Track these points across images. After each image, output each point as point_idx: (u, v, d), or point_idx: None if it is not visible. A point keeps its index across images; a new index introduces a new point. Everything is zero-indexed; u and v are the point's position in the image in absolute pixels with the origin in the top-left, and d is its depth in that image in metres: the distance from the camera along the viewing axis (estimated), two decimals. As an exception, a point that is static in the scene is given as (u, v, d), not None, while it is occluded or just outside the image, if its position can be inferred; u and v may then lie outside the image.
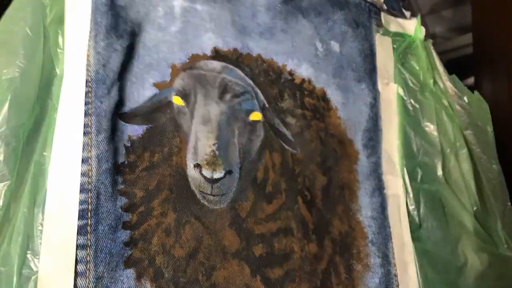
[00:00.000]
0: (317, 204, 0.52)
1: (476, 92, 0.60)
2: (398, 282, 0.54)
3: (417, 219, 0.56)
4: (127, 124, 0.46)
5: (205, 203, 0.46)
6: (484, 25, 0.80)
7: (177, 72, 0.48)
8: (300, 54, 0.56)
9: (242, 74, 0.51)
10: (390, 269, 0.54)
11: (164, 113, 0.47)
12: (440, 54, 0.67)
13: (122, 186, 0.44)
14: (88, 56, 0.45)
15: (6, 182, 0.40)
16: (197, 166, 0.46)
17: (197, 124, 0.47)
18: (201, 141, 0.47)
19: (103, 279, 0.41)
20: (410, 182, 0.57)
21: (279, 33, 0.55)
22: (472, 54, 0.85)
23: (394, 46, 0.62)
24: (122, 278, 0.42)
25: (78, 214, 0.41)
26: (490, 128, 0.58)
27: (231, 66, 0.51)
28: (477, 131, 0.58)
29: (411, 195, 0.56)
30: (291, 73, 0.55)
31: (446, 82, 0.60)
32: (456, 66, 0.94)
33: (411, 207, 0.56)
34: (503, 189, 0.57)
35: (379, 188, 0.57)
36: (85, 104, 0.43)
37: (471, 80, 0.85)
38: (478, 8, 0.83)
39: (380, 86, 0.60)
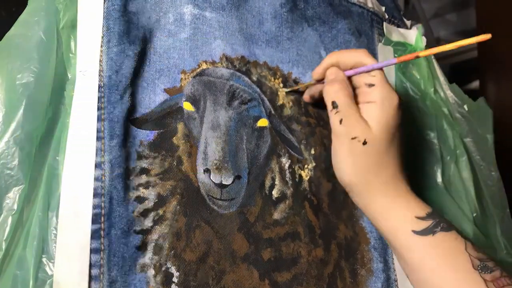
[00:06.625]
0: (323, 209, 0.53)
1: (481, 99, 0.61)
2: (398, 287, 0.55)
3: (418, 225, 0.56)
4: (138, 129, 0.46)
5: (215, 207, 0.47)
6: (489, 29, 0.81)
7: (187, 78, 0.49)
8: (305, 62, 0.57)
9: (250, 81, 0.52)
10: (390, 274, 0.55)
11: (174, 118, 0.48)
12: (444, 58, 0.68)
13: (134, 191, 0.44)
14: (100, 61, 0.45)
15: (20, 186, 0.40)
16: (207, 171, 0.47)
17: (207, 130, 0.48)
18: (210, 146, 0.47)
19: (116, 283, 0.41)
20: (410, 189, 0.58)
21: (284, 41, 0.56)
22: (477, 58, 0.86)
23: (396, 55, 0.63)
24: (134, 282, 0.42)
25: (92, 219, 0.41)
26: (490, 136, 0.60)
27: (238, 73, 0.52)
28: (477, 138, 0.59)
29: (412, 201, 0.57)
30: (296, 81, 0.56)
31: (446, 90, 0.61)
32: (460, 70, 0.96)
33: (413, 214, 0.57)
34: (502, 195, 0.58)
35: (380, 195, 0.58)
36: (98, 109, 0.44)
37: (475, 84, 0.86)
38: (482, 12, 0.85)
39: (382, 94, 0.61)
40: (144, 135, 0.46)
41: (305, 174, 0.53)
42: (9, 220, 0.39)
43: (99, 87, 0.44)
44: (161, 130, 0.47)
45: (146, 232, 0.44)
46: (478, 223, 0.56)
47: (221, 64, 0.51)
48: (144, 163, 0.45)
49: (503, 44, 0.76)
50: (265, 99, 0.53)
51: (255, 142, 0.50)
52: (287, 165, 0.52)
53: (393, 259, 0.55)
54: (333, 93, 0.46)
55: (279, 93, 0.54)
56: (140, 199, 0.44)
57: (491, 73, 0.79)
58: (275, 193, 0.50)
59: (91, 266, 0.40)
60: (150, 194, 0.45)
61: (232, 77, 0.51)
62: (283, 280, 0.48)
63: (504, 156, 0.59)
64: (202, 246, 0.45)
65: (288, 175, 0.52)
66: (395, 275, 0.55)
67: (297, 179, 0.52)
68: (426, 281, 0.42)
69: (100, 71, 0.45)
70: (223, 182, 0.47)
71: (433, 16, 1.09)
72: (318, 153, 0.55)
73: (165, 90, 0.48)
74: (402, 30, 0.65)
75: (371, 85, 0.46)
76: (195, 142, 0.48)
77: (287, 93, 0.54)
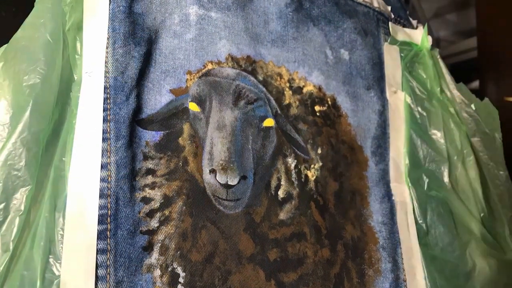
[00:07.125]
0: (329, 209, 0.52)
1: (486, 99, 0.61)
2: (406, 287, 0.54)
3: (424, 225, 0.56)
4: (144, 130, 0.46)
5: (221, 208, 0.47)
6: (489, 29, 0.81)
7: (192, 79, 0.49)
8: (311, 62, 0.57)
9: (255, 81, 0.52)
10: (399, 274, 0.55)
11: (180, 119, 0.48)
12: (444, 58, 0.67)
13: (140, 192, 0.44)
14: (106, 63, 0.45)
15: (27, 187, 0.40)
16: (212, 171, 0.47)
17: (213, 130, 0.48)
18: (216, 147, 0.47)
19: (123, 283, 0.41)
20: (417, 189, 0.58)
21: (290, 41, 0.56)
22: (477, 58, 0.86)
23: (402, 54, 0.63)
24: (141, 283, 0.42)
25: (98, 219, 0.41)
26: (498, 135, 0.59)
27: (244, 73, 0.52)
28: (485, 138, 0.59)
29: (418, 202, 0.57)
30: (303, 80, 0.56)
31: (453, 90, 0.60)
32: (460, 70, 0.95)
33: (418, 214, 0.57)
34: (511, 195, 0.58)
35: (387, 195, 0.58)
36: (104, 110, 0.44)
37: (475, 84, 0.86)
38: (482, 12, 0.84)
39: (388, 94, 0.61)
40: (150, 136, 0.46)
41: (311, 174, 0.53)
42: (16, 220, 0.39)
43: (105, 88, 0.44)
44: (167, 131, 0.47)
45: (152, 232, 0.44)
46: (485, 223, 0.56)
47: (227, 64, 0.51)
48: (150, 164, 0.45)
49: (503, 44, 0.75)
50: (271, 98, 0.53)
51: (261, 142, 0.50)
52: (293, 165, 0.52)
53: (402, 258, 0.55)
54: None
55: (285, 92, 0.54)
56: (146, 200, 0.44)
57: (491, 73, 0.79)
58: (281, 193, 0.50)
59: (97, 266, 0.40)
60: (156, 195, 0.45)
61: (238, 77, 0.51)
62: (289, 281, 0.48)
63: (506, 155, 0.59)
64: (208, 247, 0.45)
65: (294, 175, 0.52)
66: (404, 275, 0.55)
67: (303, 179, 0.52)
68: None
69: (106, 72, 0.45)
70: (229, 183, 0.47)
71: (433, 16, 1.09)
72: (325, 153, 0.55)
73: (171, 91, 0.48)
74: (408, 30, 0.65)
75: None
76: (201, 143, 0.48)
77: (294, 91, 0.54)
